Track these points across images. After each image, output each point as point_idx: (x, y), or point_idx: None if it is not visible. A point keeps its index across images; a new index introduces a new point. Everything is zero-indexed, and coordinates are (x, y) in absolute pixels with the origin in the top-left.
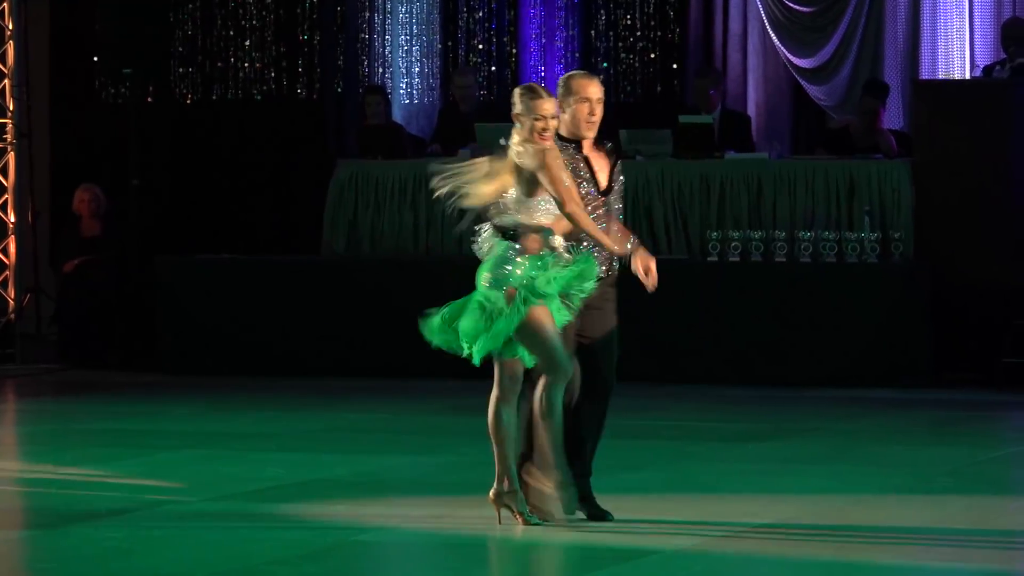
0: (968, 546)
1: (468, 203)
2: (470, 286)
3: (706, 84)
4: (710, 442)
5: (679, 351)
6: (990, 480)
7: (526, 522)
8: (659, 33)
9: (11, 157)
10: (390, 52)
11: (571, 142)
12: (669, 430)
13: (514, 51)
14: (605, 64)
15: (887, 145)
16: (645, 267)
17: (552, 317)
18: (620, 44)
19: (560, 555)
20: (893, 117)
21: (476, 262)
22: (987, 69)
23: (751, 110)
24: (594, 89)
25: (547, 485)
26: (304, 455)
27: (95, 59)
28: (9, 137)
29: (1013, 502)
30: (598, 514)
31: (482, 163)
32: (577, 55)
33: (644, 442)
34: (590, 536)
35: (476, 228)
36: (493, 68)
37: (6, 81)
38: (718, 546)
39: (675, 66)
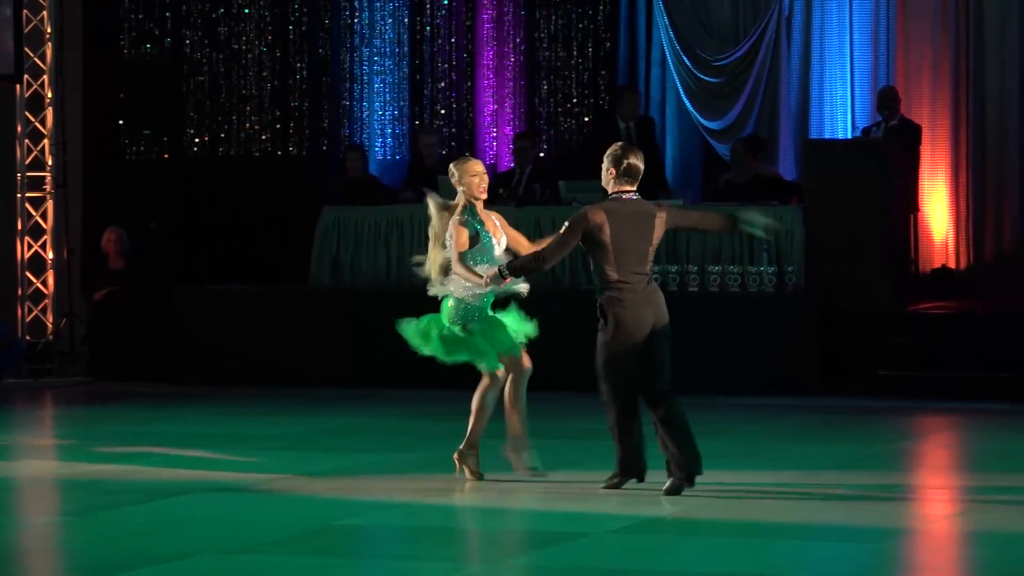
0: (852, 513)
1: None
2: (432, 310)
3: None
4: None
5: None
6: (868, 468)
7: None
8: (592, 100)
9: (50, 204)
10: (367, 116)
11: None
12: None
13: (471, 115)
14: (547, 126)
15: (767, 169)
16: None
17: None
18: (559, 109)
19: (529, 526)
20: (787, 170)
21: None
22: (865, 130)
23: (668, 163)
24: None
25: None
26: (297, 453)
27: (120, 122)
28: (48, 187)
29: (884, 480)
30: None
31: None
32: (523, 119)
33: (585, 442)
34: (556, 506)
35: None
36: (453, 129)
37: (45, 141)
38: (656, 513)
39: (604, 127)
